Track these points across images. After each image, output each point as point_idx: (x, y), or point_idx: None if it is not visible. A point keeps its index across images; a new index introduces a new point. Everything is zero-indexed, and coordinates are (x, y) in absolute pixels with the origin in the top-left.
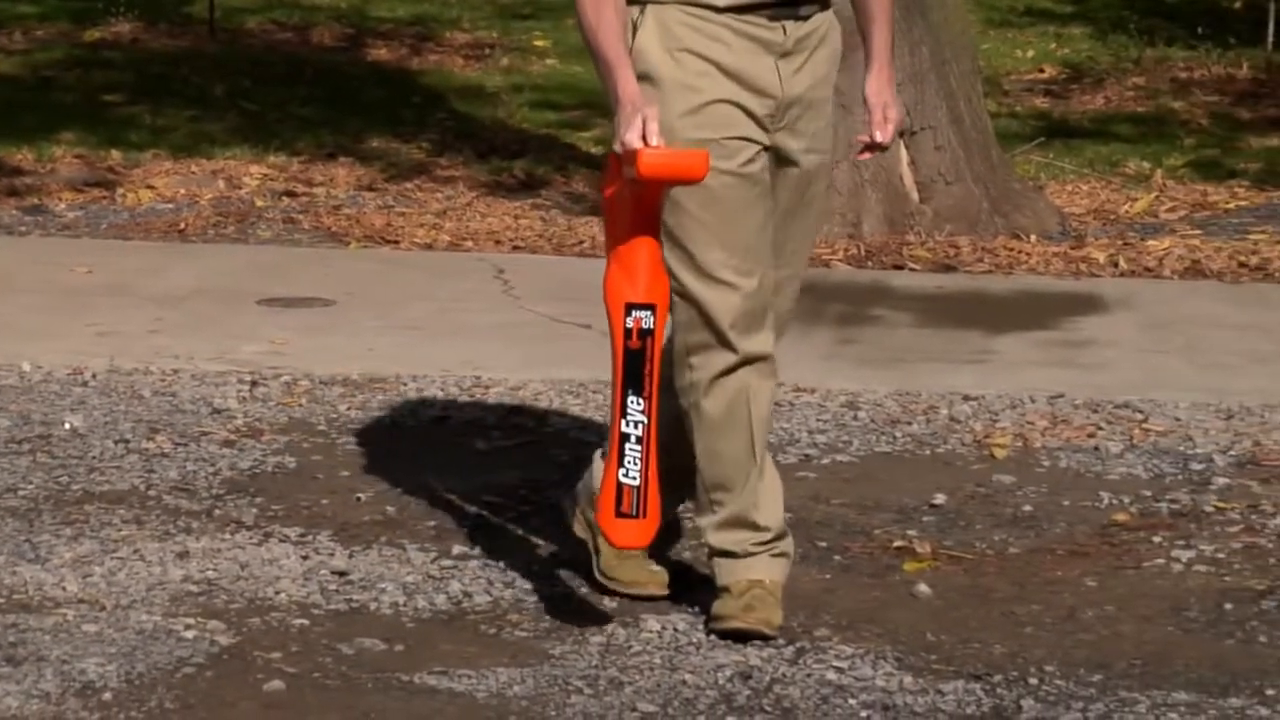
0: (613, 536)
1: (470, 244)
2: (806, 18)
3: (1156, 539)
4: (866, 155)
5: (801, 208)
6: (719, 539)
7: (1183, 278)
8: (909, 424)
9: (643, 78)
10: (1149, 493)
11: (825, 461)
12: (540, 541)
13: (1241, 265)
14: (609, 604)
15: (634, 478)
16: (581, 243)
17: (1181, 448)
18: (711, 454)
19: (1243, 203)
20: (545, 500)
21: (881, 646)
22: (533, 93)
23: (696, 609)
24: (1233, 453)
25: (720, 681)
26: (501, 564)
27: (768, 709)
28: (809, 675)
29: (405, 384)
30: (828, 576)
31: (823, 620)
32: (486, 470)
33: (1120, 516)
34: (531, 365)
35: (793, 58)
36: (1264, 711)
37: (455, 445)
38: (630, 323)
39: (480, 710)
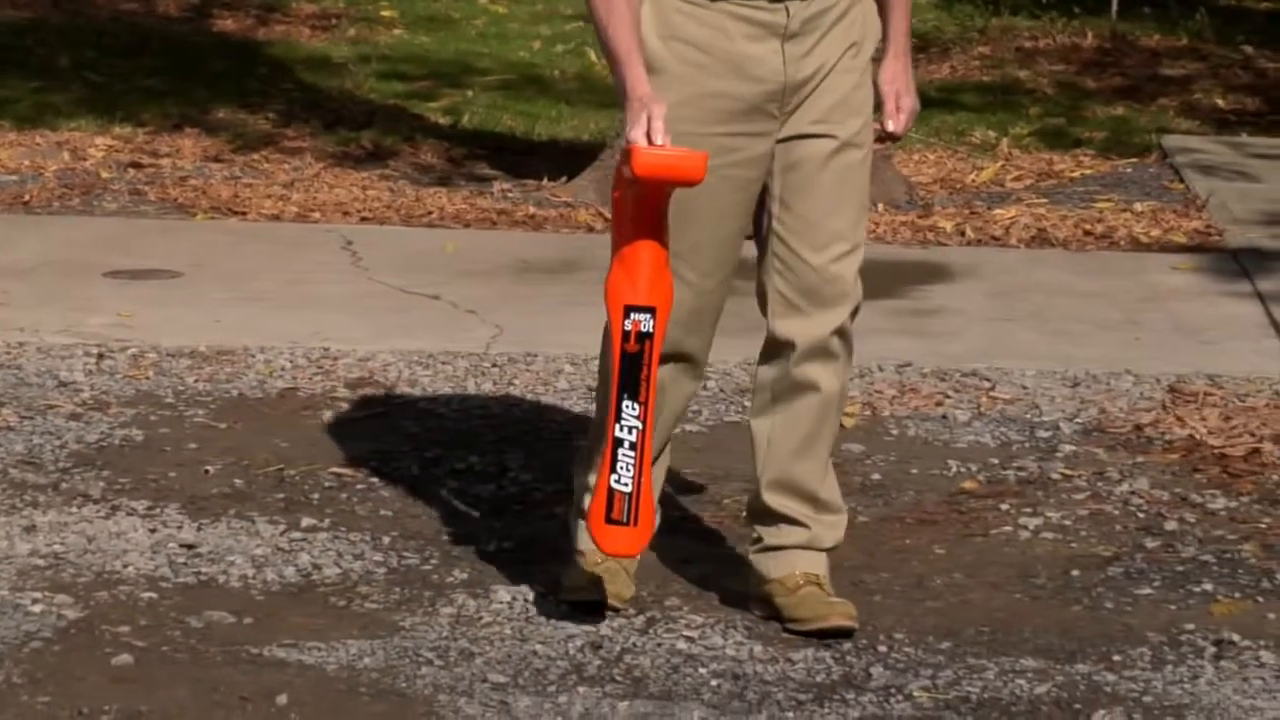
0: (603, 543)
1: (318, 215)
2: None
3: (1004, 507)
4: (879, 146)
5: (831, 183)
6: (588, 502)
7: (1029, 246)
8: None
9: (646, 69)
10: (996, 461)
11: (675, 431)
12: (389, 513)
13: (1087, 233)
14: (457, 575)
15: (626, 484)
16: (430, 213)
17: (1028, 415)
18: None
19: (1088, 171)
20: (394, 471)
21: (731, 616)
22: (380, 63)
23: (547, 579)
24: (1079, 420)
25: (571, 652)
26: (351, 536)
27: (618, 679)
28: (659, 645)
29: (253, 356)
30: (678, 546)
31: (673, 590)
32: (335, 442)
33: (968, 484)
34: (380, 336)
35: (800, 39)
36: (1110, 677)
37: (304, 417)
38: (629, 325)
39: (330, 682)
